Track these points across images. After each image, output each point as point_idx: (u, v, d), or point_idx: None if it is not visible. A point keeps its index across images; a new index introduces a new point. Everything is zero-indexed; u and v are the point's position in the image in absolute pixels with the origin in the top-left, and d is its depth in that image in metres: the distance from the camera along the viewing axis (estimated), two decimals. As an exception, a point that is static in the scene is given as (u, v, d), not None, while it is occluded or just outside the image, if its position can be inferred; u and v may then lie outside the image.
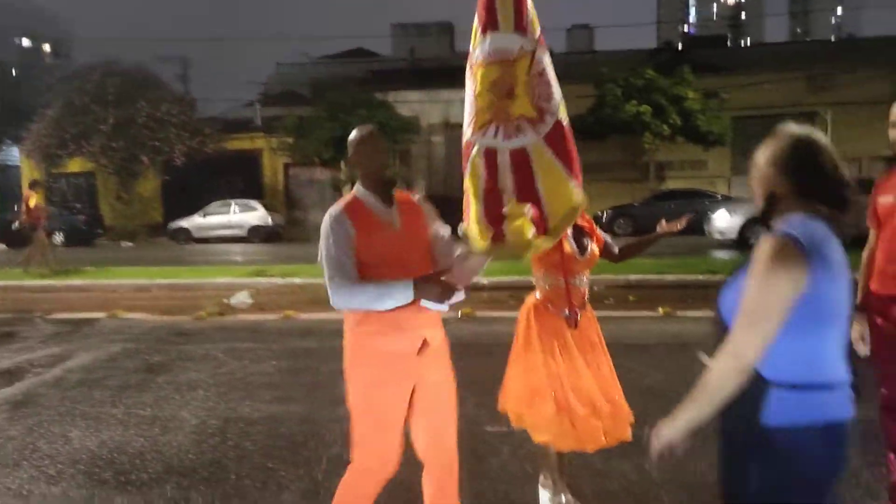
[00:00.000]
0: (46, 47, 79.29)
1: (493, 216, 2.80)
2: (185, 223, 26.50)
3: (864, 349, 3.27)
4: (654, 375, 5.72)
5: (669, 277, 11.49)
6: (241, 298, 10.82)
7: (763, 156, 2.01)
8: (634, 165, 26.62)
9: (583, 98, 25.98)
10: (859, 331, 3.26)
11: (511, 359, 3.52)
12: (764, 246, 1.86)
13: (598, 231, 3.52)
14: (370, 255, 2.74)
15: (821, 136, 1.98)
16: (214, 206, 26.67)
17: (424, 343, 2.82)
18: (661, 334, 7.43)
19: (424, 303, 2.63)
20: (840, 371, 1.92)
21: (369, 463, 2.89)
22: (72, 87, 27.49)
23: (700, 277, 11.22)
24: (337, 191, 28.85)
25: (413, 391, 2.86)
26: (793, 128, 2.01)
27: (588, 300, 3.46)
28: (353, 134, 2.89)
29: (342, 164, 27.34)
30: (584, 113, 25.06)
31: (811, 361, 1.87)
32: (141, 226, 28.71)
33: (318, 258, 2.79)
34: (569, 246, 3.34)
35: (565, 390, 3.29)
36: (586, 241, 3.40)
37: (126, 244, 25.55)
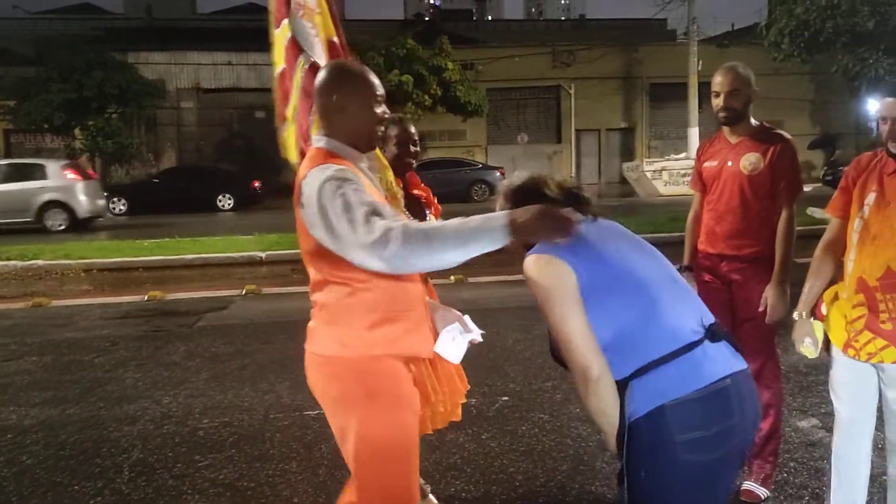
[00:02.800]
0: None
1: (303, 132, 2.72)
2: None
3: None
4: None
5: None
6: (-26, 287, 9.29)
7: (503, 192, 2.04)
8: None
9: (343, 66, 25.81)
10: None
11: None
12: (526, 269, 1.85)
13: (437, 203, 3.36)
14: None
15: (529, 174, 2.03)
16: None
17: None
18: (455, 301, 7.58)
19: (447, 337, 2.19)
20: (681, 333, 1.81)
21: None
22: None
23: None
24: (72, 160, 25.92)
25: None
26: (514, 178, 2.05)
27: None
28: (337, 71, 2.14)
29: (77, 130, 24.55)
30: (346, 81, 24.88)
31: (635, 343, 1.80)
32: None
33: (321, 234, 1.91)
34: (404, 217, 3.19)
35: None
36: (426, 212, 3.23)
37: None
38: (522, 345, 5.67)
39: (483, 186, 22.84)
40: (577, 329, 1.78)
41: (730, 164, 3.17)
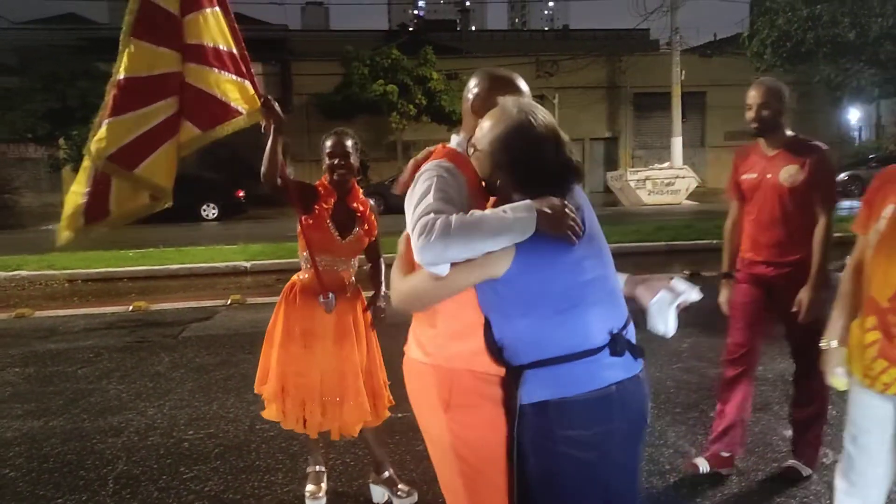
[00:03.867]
0: None
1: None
2: None
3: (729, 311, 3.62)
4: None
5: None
6: (-45, 297, 9.17)
7: (482, 138, 1.87)
8: (381, 145, 27.05)
9: (328, 76, 25.81)
10: (727, 295, 3.60)
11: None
12: None
13: (375, 222, 3.46)
14: None
15: (535, 115, 1.85)
16: None
17: None
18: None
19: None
20: (586, 339, 1.82)
21: None
22: None
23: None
24: (55, 170, 25.70)
25: None
26: (507, 104, 1.88)
27: (353, 284, 3.40)
28: (484, 77, 2.13)
29: (61, 141, 24.38)
30: (331, 91, 24.90)
31: (543, 338, 1.82)
32: None
33: (408, 220, 1.83)
34: (328, 226, 3.27)
35: (288, 374, 3.28)
36: (355, 225, 3.33)
37: None
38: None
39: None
40: (445, 284, 1.80)
41: (769, 176, 3.35)
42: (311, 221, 3.25)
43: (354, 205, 3.35)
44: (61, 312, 8.21)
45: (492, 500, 2.00)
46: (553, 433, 1.82)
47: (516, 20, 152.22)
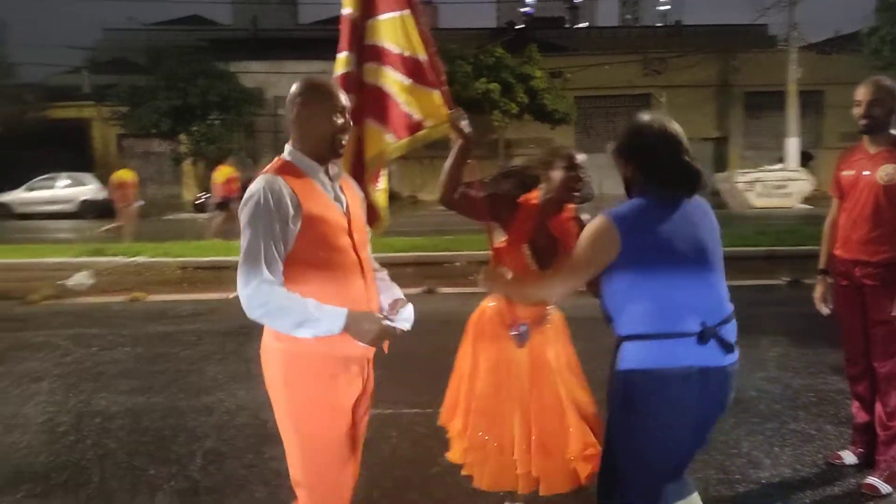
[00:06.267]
0: None
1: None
2: (6, 197, 24.12)
3: (825, 309, 3.62)
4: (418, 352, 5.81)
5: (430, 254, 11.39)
6: (80, 280, 9.95)
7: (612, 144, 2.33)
8: (482, 143, 27.21)
9: (432, 74, 26.13)
10: (822, 292, 3.62)
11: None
12: (589, 224, 2.27)
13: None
14: (317, 242, 2.17)
15: (659, 122, 2.26)
16: (40, 179, 24.45)
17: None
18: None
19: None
20: (683, 323, 2.15)
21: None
22: None
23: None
24: (177, 163, 27.36)
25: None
26: (640, 115, 2.32)
27: (550, 318, 2.96)
28: (296, 87, 2.26)
29: (182, 136, 25.94)
30: (434, 89, 25.22)
31: (648, 315, 2.16)
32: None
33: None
34: (526, 253, 2.86)
35: (471, 412, 2.93)
36: (556, 254, 2.84)
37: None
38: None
39: (569, 195, 22.60)
40: (582, 274, 2.25)
41: (866, 173, 3.34)
42: (504, 242, 2.88)
43: (560, 232, 2.89)
44: (172, 297, 8.79)
45: (327, 472, 2.27)
46: (650, 397, 2.15)
47: (627, 16, 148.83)
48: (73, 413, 4.70)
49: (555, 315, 3.00)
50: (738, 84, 29.20)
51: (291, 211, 2.12)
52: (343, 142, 2.28)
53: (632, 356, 2.19)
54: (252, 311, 2.10)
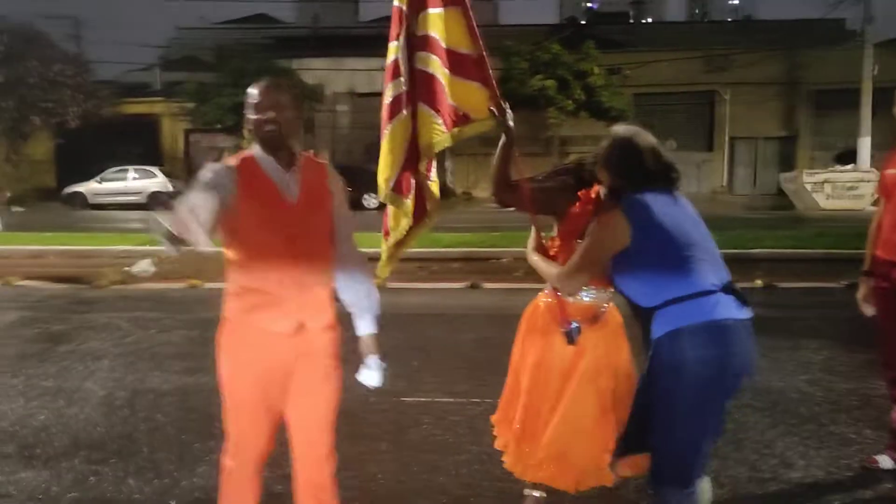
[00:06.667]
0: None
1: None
2: (80, 188, 25.40)
3: (869, 310, 3.58)
4: (459, 343, 6.00)
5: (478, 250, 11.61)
6: (143, 267, 10.44)
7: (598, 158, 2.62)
8: (538, 140, 27.09)
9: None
10: (864, 293, 3.58)
11: None
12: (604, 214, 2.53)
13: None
14: (254, 225, 2.44)
15: (637, 134, 2.57)
16: (111, 171, 25.70)
17: (301, 327, 2.53)
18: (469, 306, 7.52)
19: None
20: (702, 283, 2.39)
21: (235, 452, 2.65)
22: (-45, 43, 25.50)
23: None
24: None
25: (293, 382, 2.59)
26: (617, 129, 2.63)
27: (604, 319, 2.94)
28: (249, 89, 2.48)
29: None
30: (490, 86, 25.24)
31: (668, 284, 2.40)
32: (32, 190, 27.24)
33: None
34: (576, 246, 2.81)
35: (515, 406, 3.00)
36: None
37: (16, 209, 24.05)
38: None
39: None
40: (597, 261, 2.53)
41: None
42: (557, 235, 2.93)
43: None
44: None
45: (244, 430, 2.61)
46: (685, 353, 2.35)
47: (696, 11, 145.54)
48: (128, 389, 4.99)
49: (612, 317, 2.98)
50: (808, 81, 28.26)
51: (229, 184, 2.33)
52: (265, 132, 2.44)
53: (664, 321, 2.40)
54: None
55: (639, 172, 2.51)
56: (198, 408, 4.64)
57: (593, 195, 2.86)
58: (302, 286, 2.52)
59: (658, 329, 2.42)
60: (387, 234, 3.15)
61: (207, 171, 2.34)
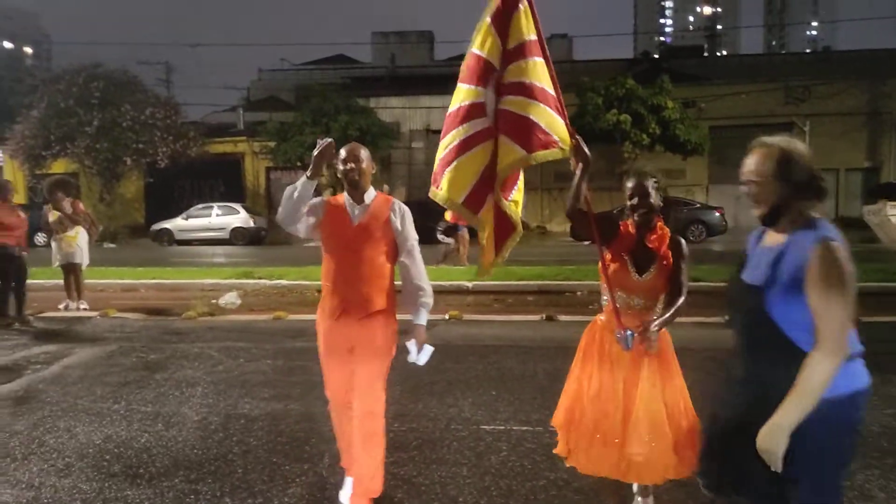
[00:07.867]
0: (28, 49, 78.96)
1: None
2: (167, 225, 26.60)
3: None
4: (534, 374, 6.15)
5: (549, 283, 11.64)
6: (230, 299, 10.93)
7: (759, 167, 2.41)
8: (613, 174, 26.96)
9: (566, 107, 26.38)
10: None
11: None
12: (824, 253, 2.21)
13: (675, 260, 3.37)
14: (328, 237, 3.59)
15: (797, 142, 2.42)
16: (196, 208, 26.85)
17: (345, 314, 3.56)
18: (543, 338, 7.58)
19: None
20: (856, 344, 2.32)
21: (329, 394, 3.83)
22: (56, 89, 27.44)
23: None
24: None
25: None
26: (776, 139, 2.43)
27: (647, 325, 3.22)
28: (341, 150, 3.53)
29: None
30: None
31: (852, 335, 2.29)
32: (123, 227, 28.76)
33: None
34: (626, 261, 3.37)
35: (583, 407, 3.35)
36: (653, 264, 3.34)
37: (108, 245, 25.44)
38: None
39: (700, 227, 22.00)
40: (848, 315, 2.23)
41: None
42: (609, 256, 3.40)
43: (655, 244, 3.36)
44: (310, 317, 9.36)
45: (333, 391, 3.81)
46: (859, 414, 2.32)
47: (773, 43, 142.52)
48: (221, 415, 5.28)
49: (664, 341, 3.33)
50: (891, 111, 27.33)
51: (319, 210, 3.61)
52: (347, 178, 3.52)
53: (847, 379, 2.26)
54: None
55: (809, 187, 2.34)
56: (287, 432, 4.89)
57: (623, 226, 3.43)
58: (359, 285, 3.53)
59: (842, 385, 2.24)
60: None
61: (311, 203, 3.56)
